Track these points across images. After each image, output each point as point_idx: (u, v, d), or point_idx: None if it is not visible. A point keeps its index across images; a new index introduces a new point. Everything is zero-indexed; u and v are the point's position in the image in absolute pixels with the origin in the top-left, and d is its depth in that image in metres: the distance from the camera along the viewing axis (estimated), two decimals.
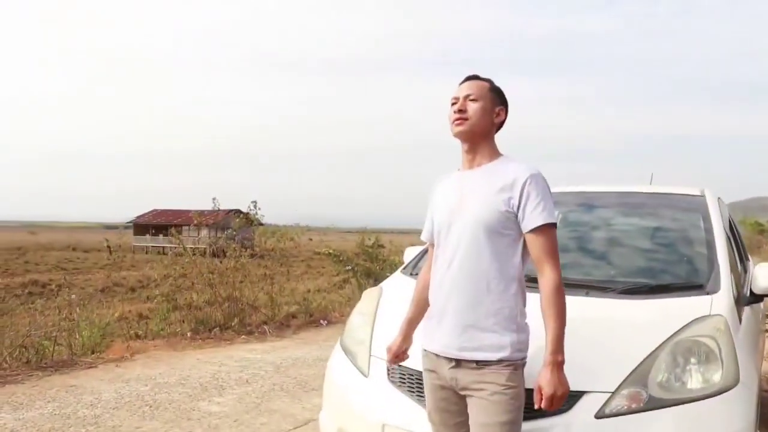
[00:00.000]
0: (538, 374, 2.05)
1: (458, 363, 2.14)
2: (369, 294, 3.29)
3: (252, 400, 4.95)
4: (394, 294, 3.12)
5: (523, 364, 2.14)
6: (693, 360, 2.42)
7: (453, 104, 2.22)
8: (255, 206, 10.46)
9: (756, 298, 3.17)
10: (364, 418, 2.69)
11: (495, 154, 2.23)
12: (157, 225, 67.30)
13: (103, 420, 4.43)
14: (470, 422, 2.13)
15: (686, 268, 3.11)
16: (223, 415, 4.57)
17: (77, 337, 6.99)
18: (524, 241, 2.13)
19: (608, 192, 3.96)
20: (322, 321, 9.17)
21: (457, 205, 2.19)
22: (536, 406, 2.04)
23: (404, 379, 2.59)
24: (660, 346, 2.41)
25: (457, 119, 2.18)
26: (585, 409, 2.26)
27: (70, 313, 7.83)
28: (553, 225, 2.10)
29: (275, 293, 9.58)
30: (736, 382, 2.36)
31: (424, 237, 2.43)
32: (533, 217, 2.08)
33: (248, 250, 9.56)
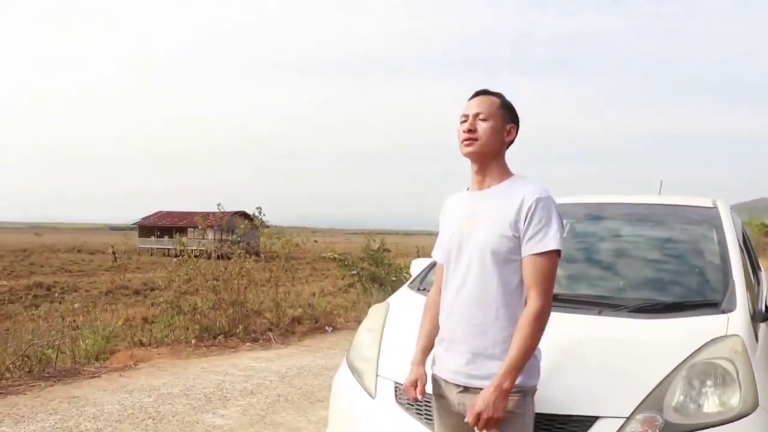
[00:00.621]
0: (481, 392, 1.97)
1: (467, 388, 2.08)
2: (376, 310, 3.23)
3: (257, 412, 4.89)
4: (402, 310, 3.06)
5: (534, 390, 2.08)
6: (709, 383, 2.35)
7: (462, 122, 2.15)
8: (260, 212, 10.44)
9: None
10: None
11: (505, 174, 2.16)
12: (162, 227, 67.40)
13: None
14: None
15: (700, 285, 3.04)
16: (227, 429, 4.51)
17: (81, 343, 6.96)
18: None
19: (620, 203, 3.89)
20: (327, 327, 9.11)
21: (467, 230, 2.13)
22: (466, 419, 1.98)
23: (412, 401, 2.53)
24: (675, 369, 2.35)
25: (467, 139, 2.11)
26: None
27: (74, 320, 7.80)
28: (555, 252, 2.03)
29: (280, 299, 9.54)
30: (755, 406, 2.28)
31: (436, 257, 2.37)
32: (532, 243, 2.02)
33: (252, 256, 9.51)
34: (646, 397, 2.27)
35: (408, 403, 2.54)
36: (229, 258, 9.26)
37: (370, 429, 2.65)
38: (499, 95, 2.19)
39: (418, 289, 3.32)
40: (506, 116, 2.16)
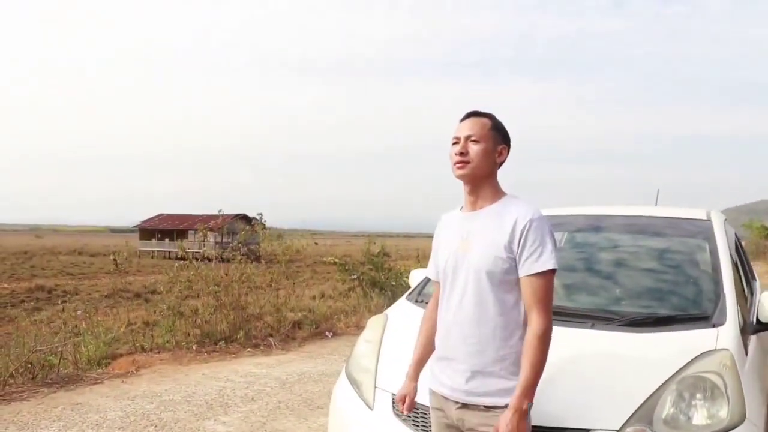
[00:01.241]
0: (500, 416, 2.04)
1: (466, 405, 2.15)
2: (375, 321, 3.30)
3: (257, 419, 4.95)
4: (400, 322, 3.12)
5: (530, 407, 2.14)
6: (699, 396, 2.41)
7: (454, 144, 2.21)
8: (261, 217, 10.53)
9: (763, 326, 3.16)
10: None
11: (497, 194, 2.22)
12: (163, 230, 67.47)
13: None
14: None
15: (692, 299, 3.10)
16: None
17: (83, 349, 7.03)
18: None
19: (613, 215, 3.95)
20: (327, 333, 9.17)
21: (462, 251, 2.19)
22: None
23: (409, 413, 2.59)
24: (665, 382, 2.41)
25: (459, 162, 2.17)
26: None
27: (75, 326, 7.87)
28: (550, 272, 2.09)
29: (281, 303, 9.60)
30: (743, 419, 2.35)
31: (430, 275, 2.44)
32: (529, 263, 2.08)
33: (253, 261, 9.57)
34: (637, 410, 2.33)
35: (405, 416, 2.61)
36: (229, 262, 9.32)
37: None
38: (490, 116, 2.25)
39: (416, 301, 3.38)
40: (497, 138, 2.22)
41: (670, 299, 3.14)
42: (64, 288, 30.24)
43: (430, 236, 2.53)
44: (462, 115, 2.29)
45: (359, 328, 3.25)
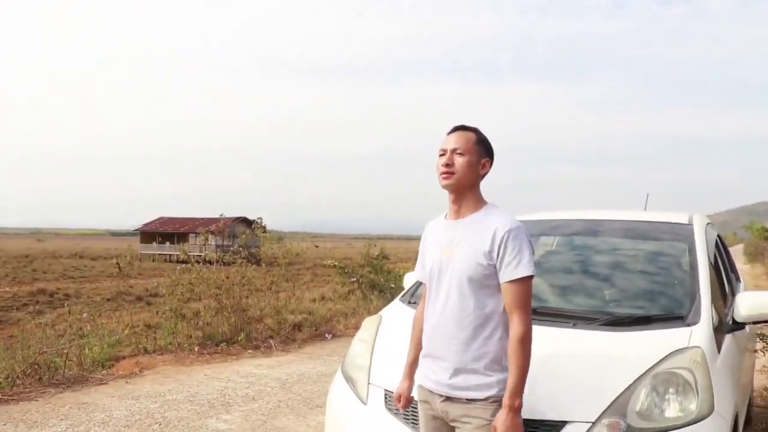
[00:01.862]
0: (496, 415, 2.21)
1: (449, 398, 2.32)
2: (369, 322, 3.46)
3: (258, 418, 5.12)
4: (393, 323, 3.29)
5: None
6: (671, 391, 2.58)
7: (441, 155, 2.38)
8: (261, 221, 10.72)
9: (738, 325, 3.33)
10: None
11: (480, 203, 2.39)
12: (163, 233, 67.63)
13: None
14: None
15: (669, 300, 3.26)
16: None
17: (88, 351, 7.19)
18: None
19: (596, 220, 4.12)
20: (327, 335, 9.34)
21: (447, 257, 2.36)
22: None
23: (406, 410, 2.76)
24: (640, 377, 2.57)
25: (445, 173, 2.34)
26: None
27: (80, 329, 8.03)
28: (528, 278, 2.26)
29: (281, 306, 9.77)
30: (711, 411, 2.51)
31: (418, 278, 2.61)
32: (508, 271, 2.24)
33: (254, 264, 9.73)
34: (612, 403, 2.50)
35: (396, 409, 2.77)
36: (230, 265, 9.49)
37: None
38: (475, 131, 2.42)
39: (409, 302, 3.55)
40: (481, 151, 2.39)
41: (649, 300, 3.31)
42: (66, 291, 30.40)
43: None
44: (450, 128, 2.47)
45: (358, 329, 3.42)
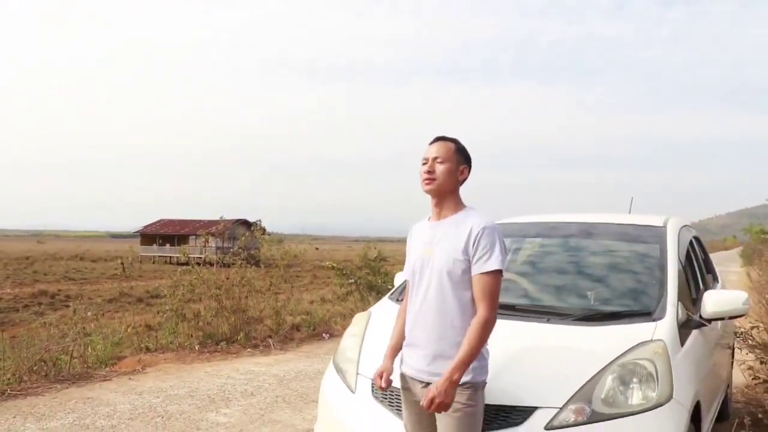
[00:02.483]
0: (435, 381, 2.43)
1: (428, 384, 2.54)
2: (359, 318, 3.70)
3: (256, 412, 5.35)
4: (381, 319, 3.52)
5: (484, 384, 2.54)
6: (634, 380, 2.81)
7: (423, 164, 2.62)
8: (260, 223, 10.95)
9: (705, 321, 3.57)
10: (353, 429, 3.09)
11: (459, 206, 2.63)
12: (164, 235, 67.82)
13: (119, 430, 4.83)
14: None
15: (638, 297, 3.50)
16: (229, 426, 4.97)
17: (91, 349, 7.42)
18: None
19: (575, 222, 4.36)
20: (324, 334, 9.57)
21: (428, 254, 2.60)
22: (421, 403, 2.45)
23: (385, 395, 2.99)
24: (605, 367, 2.81)
25: (426, 179, 2.59)
26: (536, 422, 2.66)
27: (84, 327, 8.26)
28: (497, 271, 2.49)
29: (280, 307, 9.99)
30: (670, 398, 2.75)
31: (405, 275, 2.85)
32: (479, 264, 2.48)
33: (253, 265, 9.95)
34: (578, 390, 2.73)
35: (382, 396, 3.01)
36: (230, 266, 9.72)
37: (351, 419, 3.11)
38: (454, 141, 2.67)
39: (397, 300, 3.78)
40: (460, 159, 2.63)
41: (620, 297, 3.54)
42: (67, 293, 30.58)
43: None
44: (432, 139, 2.71)
45: None
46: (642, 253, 3.90)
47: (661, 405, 2.72)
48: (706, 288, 4.47)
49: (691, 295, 3.84)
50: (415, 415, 2.65)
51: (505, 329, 2.97)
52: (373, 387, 3.09)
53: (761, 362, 4.90)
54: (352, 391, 3.20)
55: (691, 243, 4.56)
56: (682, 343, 3.17)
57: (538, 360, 2.91)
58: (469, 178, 2.68)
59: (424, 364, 2.56)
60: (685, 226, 4.67)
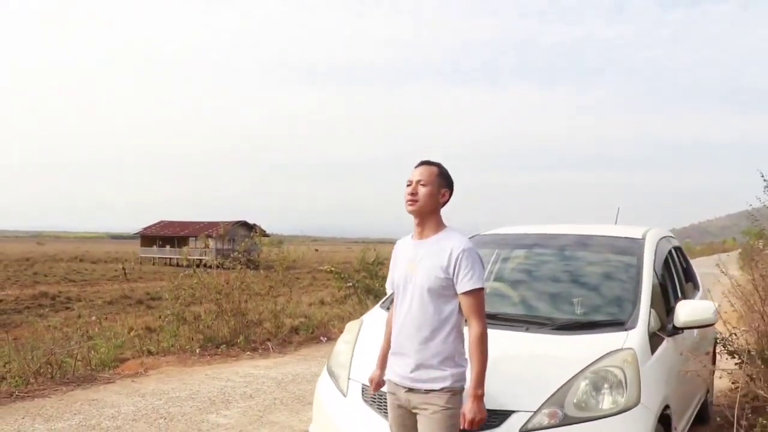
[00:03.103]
0: (464, 404, 2.69)
1: (411, 389, 2.78)
2: (352, 325, 3.92)
3: (255, 413, 5.57)
4: (372, 327, 3.74)
5: (461, 390, 2.77)
6: (605, 386, 3.04)
7: (408, 185, 2.84)
8: (258, 226, 11.16)
9: (677, 330, 3.79)
10: (344, 430, 3.32)
11: (440, 227, 2.86)
12: (164, 237, 68.02)
13: (124, 431, 5.06)
14: None
15: (613, 308, 3.72)
16: (229, 427, 5.20)
17: (95, 352, 7.64)
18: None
19: (556, 234, 4.60)
20: (322, 337, 9.79)
21: (411, 271, 2.82)
22: (461, 427, 2.69)
23: (374, 399, 3.22)
24: (578, 374, 3.04)
25: (409, 200, 2.81)
26: (512, 424, 2.89)
27: (87, 331, 8.49)
28: (480, 289, 2.71)
29: (279, 310, 10.21)
30: (637, 403, 2.98)
31: (388, 288, 3.07)
32: (463, 283, 2.70)
33: (252, 268, 10.14)
34: (552, 395, 2.96)
35: (371, 400, 3.23)
36: (230, 269, 9.93)
37: (342, 420, 3.35)
38: (437, 165, 2.89)
39: (388, 308, 4.00)
40: (442, 182, 2.86)
41: (596, 308, 3.77)
42: (68, 294, 30.80)
43: None
44: (417, 162, 2.93)
45: None
46: (619, 264, 4.13)
47: (629, 409, 2.95)
48: (684, 297, 4.69)
49: (669, 304, 4.06)
50: (399, 417, 2.88)
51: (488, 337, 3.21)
52: (363, 391, 3.31)
53: (740, 367, 5.12)
54: (344, 395, 3.42)
55: (670, 253, 4.79)
56: (654, 351, 3.39)
57: (517, 367, 3.13)
58: (450, 201, 2.90)
59: (408, 371, 2.78)
60: (665, 237, 4.89)
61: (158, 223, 74.32)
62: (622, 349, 3.17)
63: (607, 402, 3.00)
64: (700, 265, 6.67)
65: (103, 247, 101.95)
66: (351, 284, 14.35)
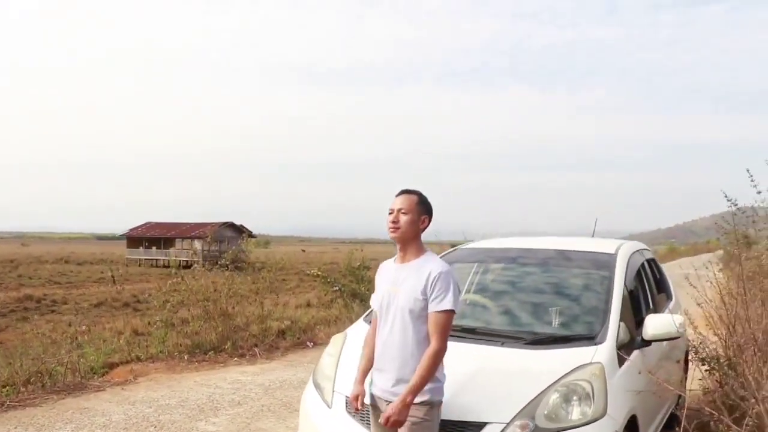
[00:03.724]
0: (390, 404, 2.86)
1: (392, 401, 2.95)
2: (336, 339, 4.10)
3: (243, 420, 5.73)
4: (356, 340, 3.91)
5: (440, 403, 2.95)
6: (574, 398, 3.24)
7: (390, 214, 3.03)
8: (244, 228, 11.28)
9: (646, 342, 3.99)
10: None
11: (420, 251, 3.04)
12: (150, 238, 67.78)
13: None
14: None
15: (584, 323, 3.92)
16: None
17: (83, 360, 7.76)
18: None
19: (533, 249, 4.80)
20: (308, 342, 9.94)
21: (393, 293, 3.01)
22: (379, 420, 2.88)
23: (361, 408, 3.38)
24: (548, 387, 3.23)
25: (392, 228, 3.00)
26: None
27: (76, 338, 8.60)
28: (450, 311, 2.89)
29: (265, 315, 10.34)
30: (603, 414, 3.18)
31: (373, 306, 3.25)
32: (434, 304, 2.89)
33: (238, 269, 10.21)
34: (523, 408, 3.15)
35: (354, 412, 3.41)
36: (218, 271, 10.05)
37: (328, 431, 3.52)
38: (418, 194, 3.08)
39: (370, 323, 4.18)
40: (422, 210, 3.04)
41: (569, 322, 3.97)
42: (53, 297, 30.67)
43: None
44: (397, 191, 3.11)
45: None
46: (592, 279, 4.33)
47: (596, 420, 3.15)
48: (656, 308, 4.90)
49: (639, 316, 4.26)
50: (381, 429, 3.06)
51: (465, 351, 3.41)
52: (347, 403, 3.49)
53: (710, 373, 5.33)
54: (328, 406, 3.60)
55: (643, 266, 5.00)
56: (621, 364, 3.59)
57: (491, 380, 3.32)
58: (429, 226, 3.09)
59: (389, 386, 2.97)
60: (638, 250, 5.10)
61: (145, 224, 74.02)
62: (591, 363, 3.37)
63: (576, 413, 3.20)
64: (683, 266, 6.81)
65: (89, 249, 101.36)
66: (337, 288, 14.49)
